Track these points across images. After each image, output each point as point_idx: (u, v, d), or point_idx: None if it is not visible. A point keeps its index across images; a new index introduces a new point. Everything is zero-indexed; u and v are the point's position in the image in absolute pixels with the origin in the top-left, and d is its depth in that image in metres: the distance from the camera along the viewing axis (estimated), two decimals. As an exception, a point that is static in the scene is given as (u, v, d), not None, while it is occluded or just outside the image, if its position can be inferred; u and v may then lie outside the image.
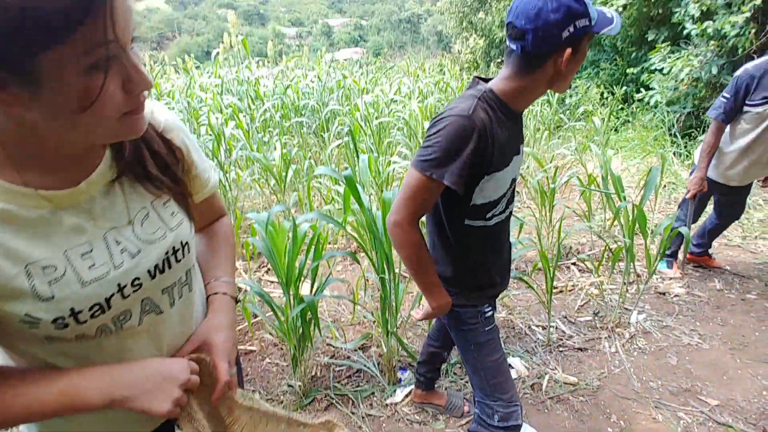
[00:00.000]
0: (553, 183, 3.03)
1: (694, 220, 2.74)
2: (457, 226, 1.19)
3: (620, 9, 7.06)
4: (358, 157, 2.22)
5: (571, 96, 8.74)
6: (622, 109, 7.47)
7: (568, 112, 7.21)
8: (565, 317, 2.54)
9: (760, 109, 2.25)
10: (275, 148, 3.80)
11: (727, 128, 2.42)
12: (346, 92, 6.69)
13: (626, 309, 2.56)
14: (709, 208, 2.89)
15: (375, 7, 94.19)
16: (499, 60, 13.30)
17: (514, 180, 1.21)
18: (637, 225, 2.28)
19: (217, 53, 6.62)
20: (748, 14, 4.45)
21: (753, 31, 4.50)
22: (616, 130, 7.19)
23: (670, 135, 5.81)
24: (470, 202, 1.14)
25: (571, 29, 0.96)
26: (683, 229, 2.32)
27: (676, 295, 2.66)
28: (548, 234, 3.24)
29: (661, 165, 3.16)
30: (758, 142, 2.33)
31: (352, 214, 2.02)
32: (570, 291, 2.79)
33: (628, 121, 7.14)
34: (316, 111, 5.83)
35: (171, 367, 0.67)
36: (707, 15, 5.32)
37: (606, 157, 2.96)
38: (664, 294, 2.68)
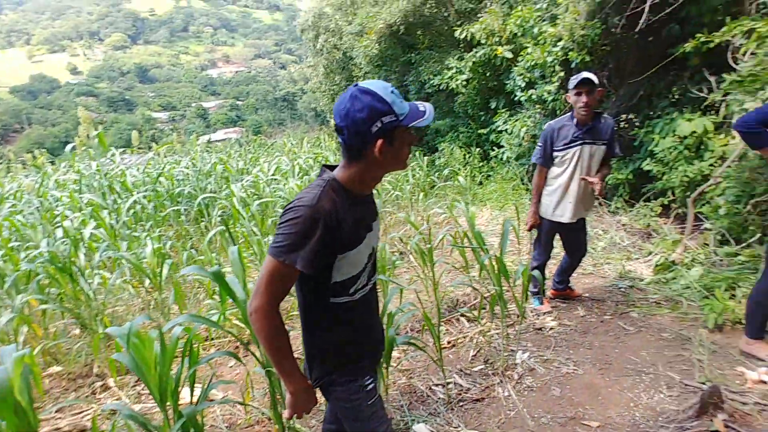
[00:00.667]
0: (428, 243, 3.25)
1: (547, 256, 3.15)
2: (324, 305, 1.25)
3: (465, 83, 8.20)
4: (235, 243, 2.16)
5: (439, 158, 9.69)
6: (482, 165, 8.44)
7: (437, 173, 7.84)
8: (461, 370, 2.63)
9: (562, 152, 2.82)
10: (146, 244, 3.52)
11: (549, 173, 2.93)
12: (224, 175, 6.56)
13: (512, 351, 2.75)
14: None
15: (249, 88, 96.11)
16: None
17: (371, 254, 1.30)
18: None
19: (74, 147, 6.07)
20: (557, 83, 5.49)
21: (563, 96, 5.54)
22: (481, 183, 8.06)
23: (523, 184, 6.64)
24: (331, 281, 1.22)
25: (379, 124, 1.11)
26: (535, 272, 2.65)
27: (550, 328, 2.94)
28: (434, 292, 3.39)
29: (517, 214, 3.60)
30: (572, 181, 2.83)
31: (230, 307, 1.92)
32: (461, 343, 2.92)
33: (490, 176, 8.08)
34: (193, 197, 5.58)
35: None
36: (530, 85, 6.43)
37: (470, 214, 3.27)
38: (540, 329, 2.95)
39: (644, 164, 4.76)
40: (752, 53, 3.74)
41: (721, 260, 3.48)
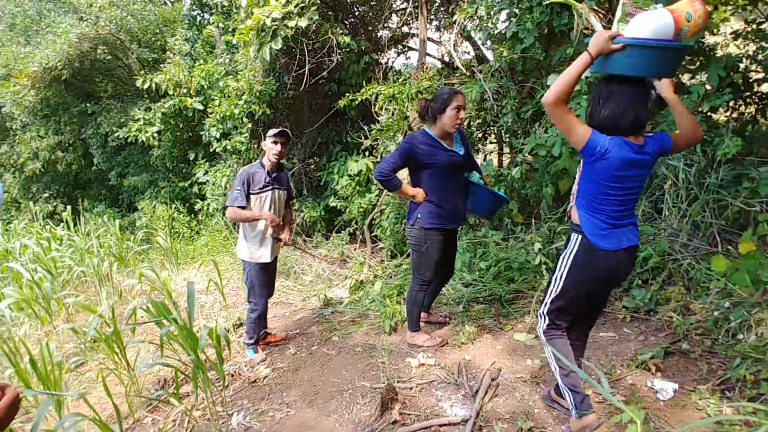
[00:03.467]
0: (111, 326, 2.74)
1: (266, 300, 3.21)
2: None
3: (157, 135, 7.62)
4: None
5: (140, 218, 8.62)
6: (190, 220, 7.96)
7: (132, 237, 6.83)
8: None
9: (258, 196, 2.98)
10: None
11: None
12: None
13: (228, 415, 2.57)
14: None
15: None
16: (46, 194, 11.53)
17: None
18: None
19: None
20: (247, 134, 5.76)
21: (255, 145, 5.86)
22: (192, 239, 7.57)
23: (231, 234, 6.59)
24: None
25: None
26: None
27: (265, 377, 2.92)
28: (130, 381, 2.87)
29: (217, 269, 3.47)
30: (261, 222, 2.98)
31: None
32: (171, 429, 2.55)
33: (200, 230, 7.68)
34: None
35: None
36: (225, 135, 6.51)
37: (162, 280, 2.96)
38: (255, 381, 2.89)
39: (331, 201, 5.48)
40: (386, 108, 4.87)
41: (393, 272, 4.28)
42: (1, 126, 11.04)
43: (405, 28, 6.13)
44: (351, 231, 5.47)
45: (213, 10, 6.75)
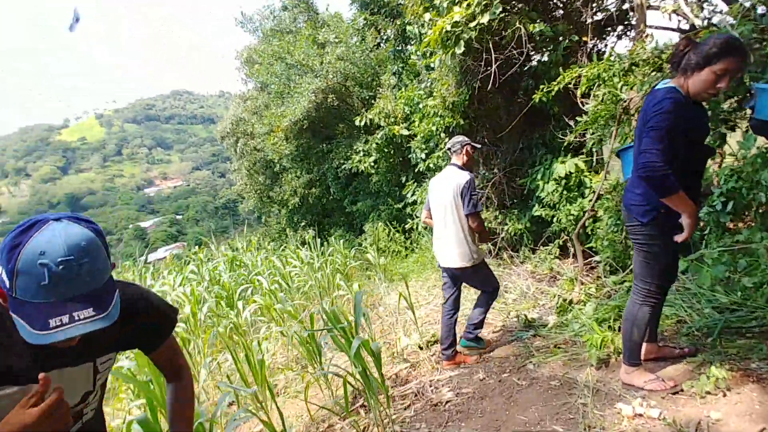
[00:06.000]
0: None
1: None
2: None
3: (373, 163, 8.46)
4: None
5: (365, 239, 9.67)
6: (406, 240, 8.47)
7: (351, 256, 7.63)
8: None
9: None
10: None
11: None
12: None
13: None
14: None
15: (188, 201, 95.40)
16: (303, 223, 14.28)
17: None
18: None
19: None
20: (444, 150, 5.72)
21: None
22: (407, 256, 8.00)
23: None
24: None
25: None
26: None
27: (447, 401, 2.65)
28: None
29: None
30: None
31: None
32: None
33: (413, 249, 8.07)
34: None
35: None
36: (429, 155, 6.70)
37: (353, 293, 3.07)
38: (437, 405, 2.65)
39: (535, 210, 4.89)
40: (594, 95, 4.08)
41: (611, 291, 3.44)
42: (274, 172, 14.27)
43: None
44: (560, 243, 4.74)
45: (413, 41, 7.14)
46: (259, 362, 2.62)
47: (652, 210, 2.00)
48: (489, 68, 4.43)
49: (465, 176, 2.99)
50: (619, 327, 2.63)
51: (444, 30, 4.03)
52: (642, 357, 2.23)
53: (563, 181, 4.61)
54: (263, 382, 2.66)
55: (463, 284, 3.32)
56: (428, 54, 5.25)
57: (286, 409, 2.90)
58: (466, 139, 3.17)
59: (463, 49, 4.09)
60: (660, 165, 1.79)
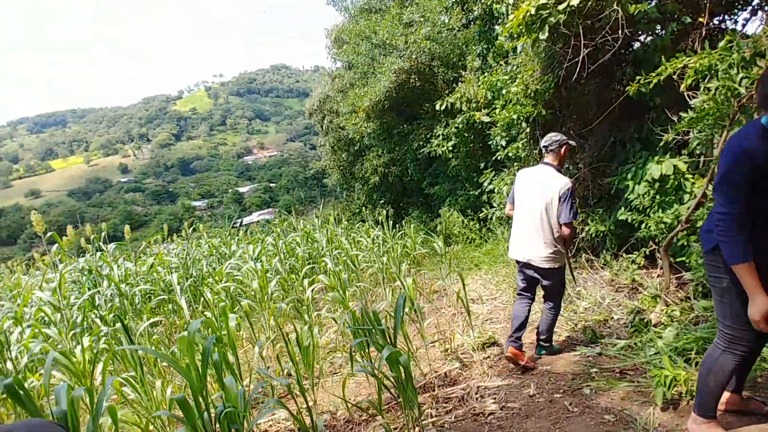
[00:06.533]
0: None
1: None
2: None
3: (451, 148, 8.23)
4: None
5: (440, 223, 9.54)
6: (481, 228, 8.21)
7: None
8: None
9: None
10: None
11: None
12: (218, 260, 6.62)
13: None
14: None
15: (282, 170, 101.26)
16: (382, 201, 14.46)
17: None
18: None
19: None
20: (525, 139, 5.38)
21: (533, 151, 5.41)
22: (480, 246, 7.77)
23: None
24: None
25: None
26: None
27: (490, 413, 2.56)
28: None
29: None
30: None
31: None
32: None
33: (487, 238, 7.81)
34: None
35: None
36: (510, 142, 6.35)
37: (406, 284, 3.05)
38: (479, 415, 2.57)
39: (620, 214, 4.43)
40: (705, 87, 3.53)
41: (700, 317, 3.03)
42: (356, 150, 14.52)
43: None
44: (647, 252, 4.26)
45: (500, 20, 6.69)
46: (305, 348, 2.72)
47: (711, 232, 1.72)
48: (578, 55, 4.02)
49: (566, 182, 2.92)
50: (698, 364, 2.32)
51: (528, 13, 3.71)
52: (721, 407, 1.94)
53: (657, 184, 4.11)
54: (308, 368, 2.77)
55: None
56: (514, 36, 4.89)
57: (326, 397, 3.01)
58: (564, 137, 3.07)
59: (546, 34, 3.74)
60: (735, 216, 1.63)
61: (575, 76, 4.26)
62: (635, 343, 3.05)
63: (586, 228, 5.12)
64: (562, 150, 3.05)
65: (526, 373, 2.98)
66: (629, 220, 4.29)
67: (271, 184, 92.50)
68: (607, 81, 4.64)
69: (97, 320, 3.81)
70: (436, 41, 8.96)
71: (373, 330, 2.32)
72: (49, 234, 4.59)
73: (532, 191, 3.03)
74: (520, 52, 5.17)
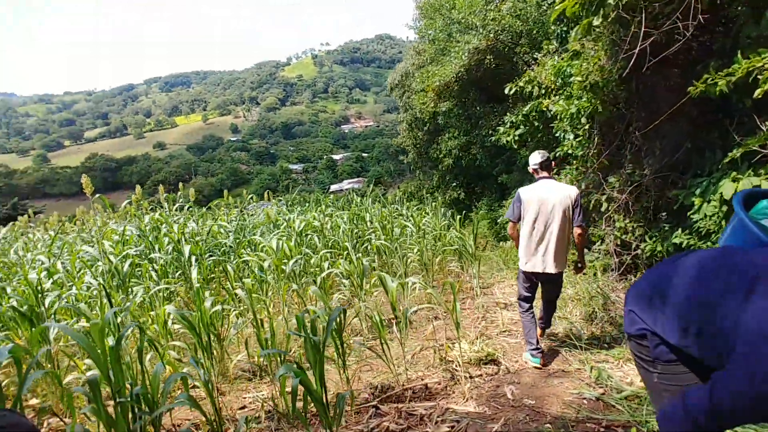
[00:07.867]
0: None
1: None
2: None
3: (517, 137, 7.63)
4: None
5: (502, 216, 9.00)
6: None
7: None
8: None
9: None
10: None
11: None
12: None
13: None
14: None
15: (375, 141, 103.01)
16: (454, 183, 14.03)
17: None
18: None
19: (129, 202, 6.91)
20: (583, 137, 4.76)
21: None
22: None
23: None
24: None
25: None
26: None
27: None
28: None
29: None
30: None
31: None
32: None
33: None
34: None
35: None
36: (576, 137, 5.70)
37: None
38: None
39: (676, 236, 3.77)
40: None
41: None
42: (434, 129, 14.14)
43: None
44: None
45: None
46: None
47: None
48: (642, 43, 3.39)
49: (575, 188, 3.25)
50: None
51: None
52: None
53: (726, 206, 3.41)
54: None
55: None
56: (569, 20, 4.28)
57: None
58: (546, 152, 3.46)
59: (600, 20, 3.18)
60: None
61: (644, 69, 3.62)
62: (644, 395, 2.61)
63: (642, 245, 4.47)
64: (553, 164, 3.37)
65: (507, 406, 2.71)
66: (684, 245, 3.64)
67: (364, 154, 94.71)
68: (684, 76, 3.88)
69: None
70: (520, 17, 8.22)
71: (307, 338, 2.24)
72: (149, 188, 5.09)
73: (553, 203, 3.18)
74: (572, 40, 4.52)
